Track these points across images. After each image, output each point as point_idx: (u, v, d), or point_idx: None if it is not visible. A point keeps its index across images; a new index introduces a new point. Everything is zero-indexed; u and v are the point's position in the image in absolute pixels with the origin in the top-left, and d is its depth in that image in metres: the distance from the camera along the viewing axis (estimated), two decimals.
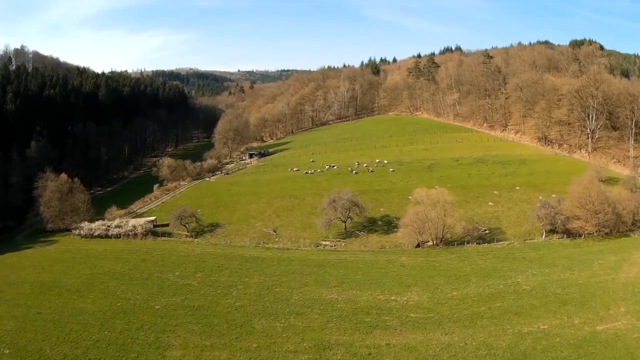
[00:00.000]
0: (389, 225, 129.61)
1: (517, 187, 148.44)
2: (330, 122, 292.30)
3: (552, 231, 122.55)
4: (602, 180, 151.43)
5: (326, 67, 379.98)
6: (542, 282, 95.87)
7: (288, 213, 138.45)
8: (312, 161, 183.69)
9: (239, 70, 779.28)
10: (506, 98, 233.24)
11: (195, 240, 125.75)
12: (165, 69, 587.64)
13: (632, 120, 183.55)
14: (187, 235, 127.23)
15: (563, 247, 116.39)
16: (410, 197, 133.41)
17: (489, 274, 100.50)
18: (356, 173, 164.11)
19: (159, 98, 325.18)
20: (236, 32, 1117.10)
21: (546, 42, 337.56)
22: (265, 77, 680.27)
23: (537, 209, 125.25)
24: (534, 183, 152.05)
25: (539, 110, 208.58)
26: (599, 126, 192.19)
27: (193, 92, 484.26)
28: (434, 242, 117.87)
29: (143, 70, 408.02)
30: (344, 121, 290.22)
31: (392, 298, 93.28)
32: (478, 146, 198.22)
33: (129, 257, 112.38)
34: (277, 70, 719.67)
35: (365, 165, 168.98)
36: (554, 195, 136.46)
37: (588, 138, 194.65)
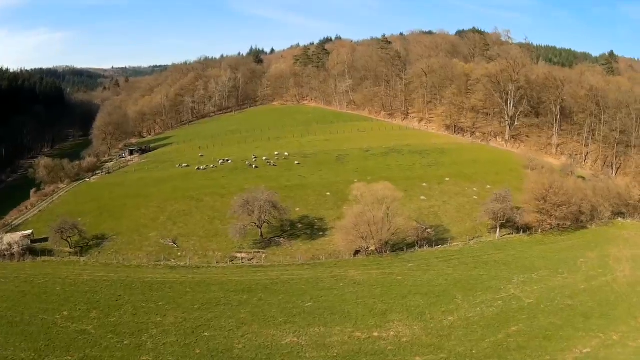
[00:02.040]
0: (311, 228, 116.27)
1: (447, 179, 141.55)
2: (212, 115, 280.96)
3: (501, 226, 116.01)
4: (534, 169, 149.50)
5: (203, 58, 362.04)
6: (542, 292, 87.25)
7: (186, 219, 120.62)
8: (202, 155, 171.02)
9: (112, 67, 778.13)
10: (407, 84, 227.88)
11: (82, 259, 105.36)
12: (43, 67, 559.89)
13: (557, 107, 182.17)
14: (70, 253, 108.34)
15: (526, 245, 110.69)
16: (328, 193, 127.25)
17: (472, 287, 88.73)
18: (256, 167, 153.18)
19: (36, 93, 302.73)
20: (109, 31, 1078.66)
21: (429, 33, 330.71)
22: (138, 73, 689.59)
23: (490, 202, 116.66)
24: (464, 174, 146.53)
25: (450, 96, 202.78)
26: (518, 113, 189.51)
27: (69, 89, 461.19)
28: (378, 247, 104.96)
29: (23, 69, 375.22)
30: (226, 113, 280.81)
31: (375, 334, 73.47)
32: (385, 135, 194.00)
33: (5, 289, 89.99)
34: (150, 67, 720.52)
35: (264, 158, 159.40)
36: (489, 186, 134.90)
37: (506, 125, 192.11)
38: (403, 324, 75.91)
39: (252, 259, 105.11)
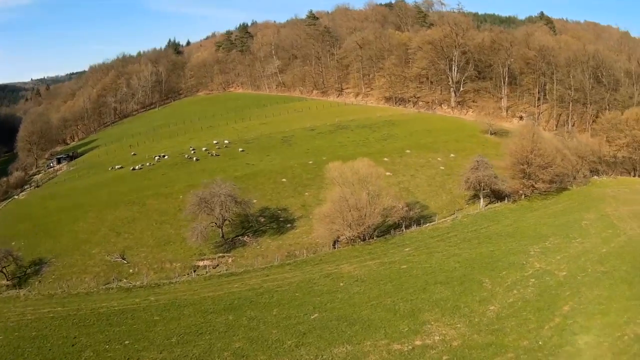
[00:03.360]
0: (276, 220, 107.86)
1: (407, 151, 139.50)
2: (134, 113, 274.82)
3: (477, 196, 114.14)
4: (493, 133, 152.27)
5: (122, 55, 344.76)
6: (569, 262, 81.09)
7: (130, 227, 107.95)
8: (134, 154, 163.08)
9: (31, 79, 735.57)
10: (340, 60, 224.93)
11: (21, 292, 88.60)
12: None
13: (505, 69, 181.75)
14: (7, 286, 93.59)
15: (517, 213, 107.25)
16: (284, 179, 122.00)
17: (493, 267, 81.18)
18: (197, 160, 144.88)
19: None
20: (25, 43, 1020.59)
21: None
22: (57, 81, 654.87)
23: (470, 171, 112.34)
24: (422, 144, 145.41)
25: (390, 67, 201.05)
26: (464, 78, 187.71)
27: None
28: (363, 234, 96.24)
29: None
30: (151, 109, 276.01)
31: (418, 343, 61.63)
32: (325, 113, 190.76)
33: None
34: (67, 74, 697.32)
35: (204, 149, 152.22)
36: (452, 155, 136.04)
37: (451, 92, 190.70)
38: (443, 324, 65.84)
39: (217, 265, 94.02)
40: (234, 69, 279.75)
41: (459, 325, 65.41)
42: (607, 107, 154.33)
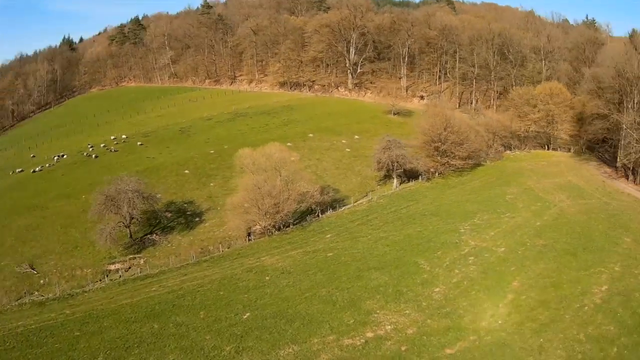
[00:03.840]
0: (184, 215, 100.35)
1: (310, 135, 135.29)
2: (31, 115, 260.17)
3: (388, 176, 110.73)
4: (396, 113, 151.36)
5: (19, 56, 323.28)
6: (505, 238, 79.14)
7: (36, 234, 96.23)
8: (33, 156, 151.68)
9: None
10: (233, 47, 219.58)
11: None
12: None
13: (405, 49, 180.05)
14: None
15: (435, 191, 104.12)
16: (186, 171, 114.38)
17: (427, 248, 77.74)
18: (96, 157, 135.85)
19: None
20: None
21: None
22: None
23: (382, 151, 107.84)
24: (324, 127, 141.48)
25: (286, 52, 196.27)
26: (362, 59, 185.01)
27: None
28: (279, 223, 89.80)
29: None
30: (46, 109, 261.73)
31: (370, 335, 56.36)
32: (221, 102, 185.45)
33: None
34: None
35: (102, 145, 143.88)
36: (357, 137, 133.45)
37: (348, 74, 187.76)
38: (390, 312, 60.42)
39: (129, 268, 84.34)
40: (127, 62, 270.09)
41: (407, 312, 60.06)
42: (514, 83, 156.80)
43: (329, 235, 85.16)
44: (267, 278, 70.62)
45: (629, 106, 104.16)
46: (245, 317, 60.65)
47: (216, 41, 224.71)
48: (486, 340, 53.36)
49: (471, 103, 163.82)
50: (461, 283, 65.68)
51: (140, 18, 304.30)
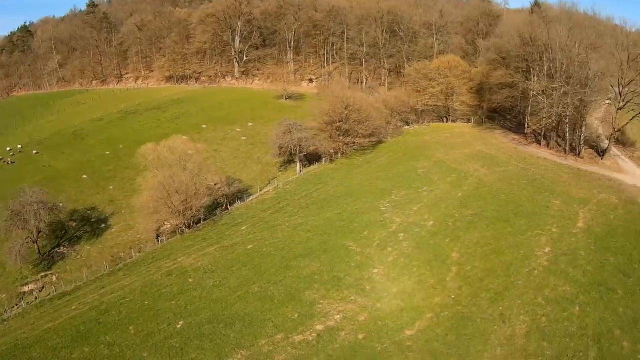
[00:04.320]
0: (88, 223, 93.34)
1: (204, 126, 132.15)
2: None
3: (289, 162, 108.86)
4: (288, 98, 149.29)
5: None
6: (431, 213, 77.03)
7: None
8: None
9: None
10: (118, 45, 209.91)
11: None
12: None
13: (292, 33, 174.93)
14: None
15: (342, 172, 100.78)
16: (84, 176, 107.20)
17: (352, 230, 74.37)
18: None
19: None
20: None
21: None
22: None
23: (282, 136, 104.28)
24: (217, 117, 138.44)
25: (171, 45, 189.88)
26: (247, 47, 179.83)
27: None
28: (190, 219, 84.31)
29: None
30: None
31: (320, 327, 53.19)
32: (110, 102, 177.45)
33: None
34: None
35: None
36: (250, 124, 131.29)
37: (234, 63, 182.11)
38: (335, 300, 57.15)
39: (43, 287, 77.37)
40: (17, 71, 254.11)
41: (352, 298, 56.74)
42: (405, 59, 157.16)
43: (244, 227, 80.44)
44: (190, 280, 64.85)
45: (538, 73, 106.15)
46: (179, 326, 54.98)
47: (101, 41, 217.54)
48: (445, 317, 51.28)
49: (361, 82, 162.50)
50: (398, 261, 63.34)
51: (27, 25, 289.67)
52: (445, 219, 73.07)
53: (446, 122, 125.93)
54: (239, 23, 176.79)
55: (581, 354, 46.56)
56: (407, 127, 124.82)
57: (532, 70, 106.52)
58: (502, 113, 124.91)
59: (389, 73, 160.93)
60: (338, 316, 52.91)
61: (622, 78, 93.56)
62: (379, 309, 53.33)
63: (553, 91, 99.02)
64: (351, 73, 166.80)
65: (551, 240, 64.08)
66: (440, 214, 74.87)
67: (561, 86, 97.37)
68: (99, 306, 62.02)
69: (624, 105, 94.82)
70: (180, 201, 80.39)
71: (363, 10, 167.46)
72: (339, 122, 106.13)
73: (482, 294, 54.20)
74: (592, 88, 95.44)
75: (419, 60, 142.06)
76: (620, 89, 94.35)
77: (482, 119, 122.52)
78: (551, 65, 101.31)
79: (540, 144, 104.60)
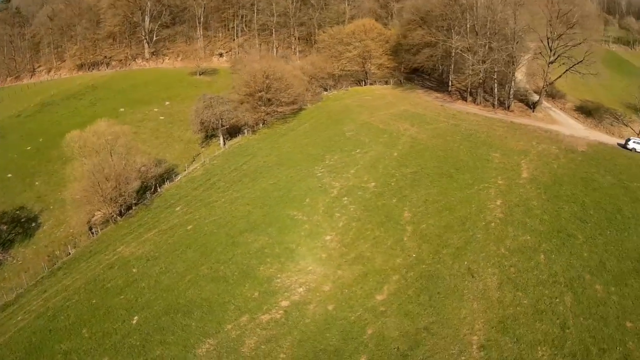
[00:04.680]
0: (19, 224, 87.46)
1: (122, 109, 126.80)
2: None
3: (210, 136, 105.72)
4: (202, 73, 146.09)
5: None
6: (371, 174, 74.22)
7: None
8: None
9: None
10: (30, 39, 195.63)
11: None
12: None
13: (201, 9, 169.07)
14: None
15: (268, 142, 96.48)
16: (9, 175, 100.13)
17: (293, 198, 70.58)
18: None
19: None
20: None
21: None
22: None
23: (204, 111, 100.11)
24: (134, 99, 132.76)
25: (82, 32, 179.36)
26: (157, 27, 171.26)
27: None
28: (121, 206, 78.76)
29: None
30: None
31: (286, 303, 49.70)
32: (24, 96, 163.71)
33: None
34: None
35: None
36: (167, 103, 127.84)
37: (144, 44, 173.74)
38: (293, 273, 53.41)
39: None
40: None
41: (310, 268, 53.26)
42: (316, 26, 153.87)
43: (178, 208, 75.02)
44: (134, 270, 58.92)
45: (460, 31, 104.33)
46: (134, 322, 49.44)
47: (15, 36, 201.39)
48: (412, 277, 48.79)
49: (272, 53, 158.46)
50: (350, 225, 60.17)
51: None
52: (386, 179, 70.50)
53: (364, 85, 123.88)
54: (148, 2, 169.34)
55: (557, 300, 45.42)
56: (325, 92, 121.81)
57: (454, 28, 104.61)
58: (421, 74, 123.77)
59: (299, 41, 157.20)
60: (301, 289, 49.28)
61: (551, 32, 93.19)
62: (341, 277, 50.11)
63: (479, 48, 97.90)
64: (261, 44, 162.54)
65: (500, 193, 63.00)
66: (380, 174, 72.29)
67: (487, 42, 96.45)
68: (45, 312, 55.32)
69: (555, 59, 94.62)
70: (112, 188, 74.58)
71: None
72: (260, 91, 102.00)
73: (443, 250, 52.17)
74: (521, 43, 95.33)
75: (331, 27, 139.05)
76: (550, 43, 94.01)
77: (401, 80, 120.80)
78: (475, 22, 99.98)
79: (466, 100, 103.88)
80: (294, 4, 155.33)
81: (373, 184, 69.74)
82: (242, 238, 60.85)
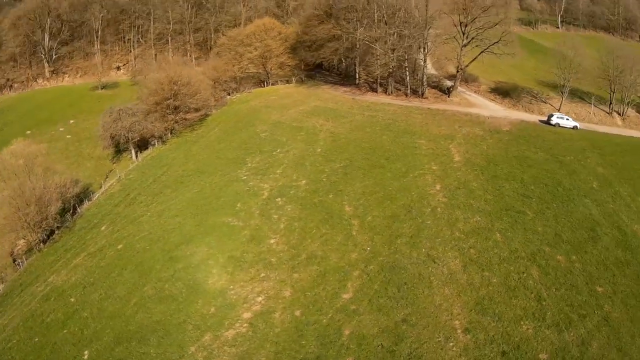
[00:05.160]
0: None
1: (28, 132, 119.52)
2: None
3: (119, 151, 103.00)
4: (103, 87, 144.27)
5: None
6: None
7: None
8: None
9: None
10: None
11: None
12: None
13: (98, 22, 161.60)
14: None
15: (181, 151, 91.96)
16: None
17: (229, 201, 65.79)
18: None
19: None
20: None
21: None
22: None
23: (112, 125, 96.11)
24: (39, 120, 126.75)
25: None
26: (56, 44, 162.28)
27: None
28: (45, 231, 73.26)
29: None
30: None
31: (257, 309, 46.29)
32: None
33: None
34: None
35: None
36: (72, 120, 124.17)
37: (44, 63, 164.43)
38: (247, 282, 49.01)
39: None
40: None
41: (263, 275, 49.43)
42: (212, 31, 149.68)
43: (103, 228, 69.23)
44: (72, 300, 52.35)
45: (369, 22, 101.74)
46: (86, 357, 43.47)
47: None
48: (372, 271, 46.52)
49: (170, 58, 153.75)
50: (292, 226, 56.69)
51: None
52: (316, 175, 67.43)
53: (266, 86, 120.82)
54: (48, 19, 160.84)
55: (525, 274, 44.73)
56: (229, 96, 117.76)
57: (361, 19, 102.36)
58: (322, 70, 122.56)
59: (195, 48, 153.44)
60: (260, 298, 45.37)
61: (465, 17, 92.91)
62: (299, 279, 46.71)
63: (389, 37, 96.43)
64: (156, 54, 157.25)
65: (437, 178, 61.89)
66: (309, 171, 69.05)
67: (396, 31, 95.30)
68: None
69: (468, 43, 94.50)
70: (35, 212, 68.60)
71: None
72: (168, 99, 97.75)
73: (397, 240, 50.11)
74: (434, 28, 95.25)
75: (228, 29, 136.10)
76: (464, 28, 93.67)
77: (302, 78, 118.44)
78: (384, 12, 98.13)
79: (376, 92, 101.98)
80: (190, 10, 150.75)
81: (304, 181, 66.44)
82: (180, 252, 55.52)
